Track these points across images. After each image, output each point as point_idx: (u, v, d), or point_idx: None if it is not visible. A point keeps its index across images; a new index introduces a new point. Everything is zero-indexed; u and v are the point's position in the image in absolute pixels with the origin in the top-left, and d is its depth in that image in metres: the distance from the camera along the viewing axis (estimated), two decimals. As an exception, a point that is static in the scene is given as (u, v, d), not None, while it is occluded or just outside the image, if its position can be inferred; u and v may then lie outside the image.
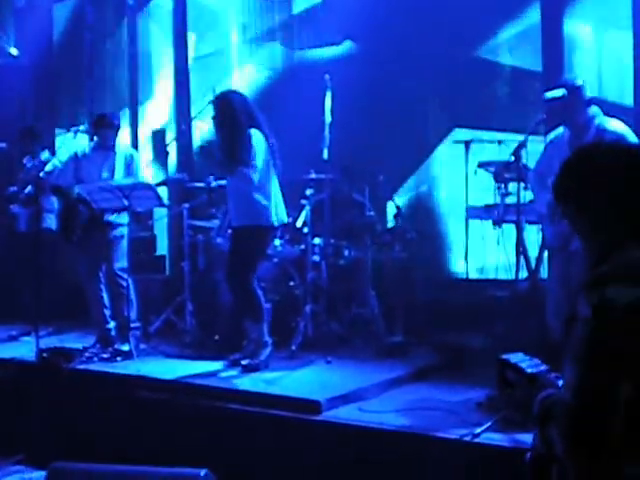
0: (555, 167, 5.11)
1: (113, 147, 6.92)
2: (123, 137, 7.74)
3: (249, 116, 6.00)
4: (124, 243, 6.85)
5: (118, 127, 7.01)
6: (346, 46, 8.22)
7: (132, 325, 6.75)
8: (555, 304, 5.16)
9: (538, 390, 2.35)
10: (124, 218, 6.83)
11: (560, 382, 2.35)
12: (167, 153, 9.37)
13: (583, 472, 2.13)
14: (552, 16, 6.86)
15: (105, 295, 6.90)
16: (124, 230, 6.86)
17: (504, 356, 2.60)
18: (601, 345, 2.10)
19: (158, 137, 9.67)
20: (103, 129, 6.89)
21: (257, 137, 5.93)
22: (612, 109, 5.32)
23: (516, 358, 2.57)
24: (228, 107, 5.98)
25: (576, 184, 2.41)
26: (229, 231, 6.50)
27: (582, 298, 2.19)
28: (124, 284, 6.79)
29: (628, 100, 6.50)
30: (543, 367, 2.50)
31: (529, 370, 2.48)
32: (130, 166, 6.91)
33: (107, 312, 6.90)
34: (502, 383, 2.58)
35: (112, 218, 6.77)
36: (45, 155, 7.92)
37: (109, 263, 6.80)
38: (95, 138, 7.03)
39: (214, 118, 6.10)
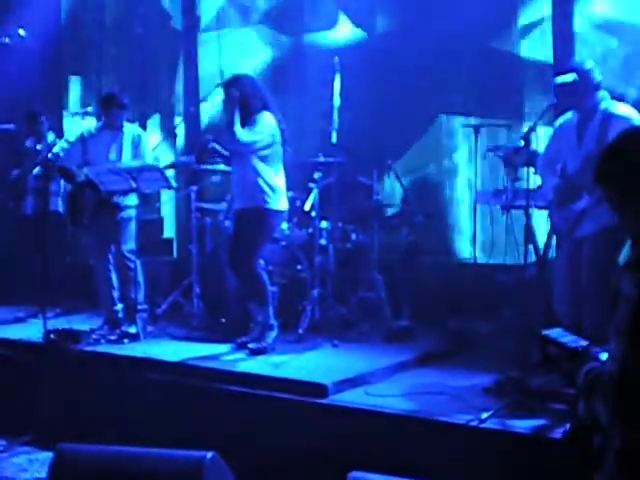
0: (564, 152, 5.14)
1: (121, 127, 6.90)
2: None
3: (261, 100, 5.98)
4: (132, 225, 6.85)
5: (126, 107, 7.00)
6: (355, 29, 8.18)
7: (139, 307, 6.76)
8: (562, 290, 5.15)
9: (581, 363, 2.43)
10: (132, 200, 6.83)
11: (601, 356, 2.43)
12: (175, 135, 9.38)
13: (628, 440, 2.23)
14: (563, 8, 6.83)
15: (114, 277, 6.90)
16: (132, 212, 6.86)
17: (545, 332, 2.65)
18: None
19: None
20: (111, 109, 6.87)
21: (268, 118, 5.93)
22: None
23: (555, 333, 2.63)
24: (240, 87, 5.94)
25: (620, 167, 2.43)
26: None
27: (626, 278, 2.28)
28: (132, 266, 6.79)
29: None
30: (583, 342, 2.56)
31: (571, 345, 2.53)
32: (138, 146, 6.90)
33: (115, 294, 6.90)
34: (544, 358, 2.62)
35: (120, 200, 6.77)
36: (51, 137, 7.91)
37: (117, 245, 6.79)
38: (102, 118, 7.02)
39: (225, 101, 6.07)
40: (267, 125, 5.92)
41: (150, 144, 7.18)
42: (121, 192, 6.68)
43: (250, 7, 9.10)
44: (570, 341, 2.56)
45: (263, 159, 5.93)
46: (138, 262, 6.86)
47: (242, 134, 5.82)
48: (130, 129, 7.02)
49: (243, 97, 5.90)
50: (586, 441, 2.41)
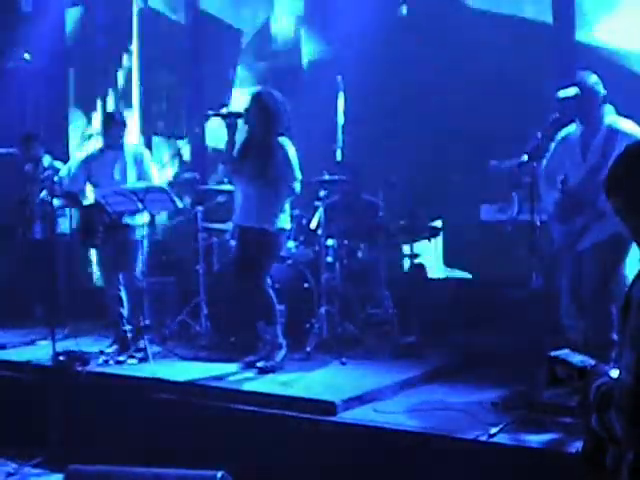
0: (566, 165, 5.16)
1: (122, 146, 6.97)
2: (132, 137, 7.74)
3: (281, 120, 5.98)
4: (143, 246, 6.91)
5: (125, 124, 7.07)
6: (358, 47, 8.21)
7: (144, 323, 6.80)
8: (567, 303, 5.16)
9: (592, 379, 2.41)
10: (141, 220, 6.88)
11: (611, 372, 2.41)
12: (181, 155, 9.42)
13: None
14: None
15: (124, 296, 6.95)
16: (142, 232, 6.91)
17: (553, 353, 2.63)
18: None
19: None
20: (112, 128, 6.95)
21: (291, 148, 5.95)
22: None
23: (564, 355, 2.62)
24: (264, 108, 5.95)
25: (629, 177, 2.42)
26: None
27: (637, 286, 2.25)
28: (142, 287, 6.85)
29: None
30: (591, 361, 2.54)
31: (580, 364, 2.52)
32: (141, 165, 6.97)
33: (125, 313, 6.95)
34: (552, 379, 2.62)
35: (129, 221, 6.82)
36: (47, 160, 7.95)
37: (129, 266, 6.85)
38: (104, 138, 7.07)
39: (248, 114, 6.02)
40: (294, 154, 5.97)
41: (152, 163, 7.20)
42: (130, 212, 6.73)
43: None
44: (579, 361, 2.55)
45: (276, 182, 5.94)
46: (144, 283, 6.92)
47: (298, 185, 5.94)
48: (132, 148, 7.08)
49: (267, 118, 5.91)
50: (600, 456, 2.39)
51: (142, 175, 6.93)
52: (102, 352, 6.76)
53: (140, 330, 6.72)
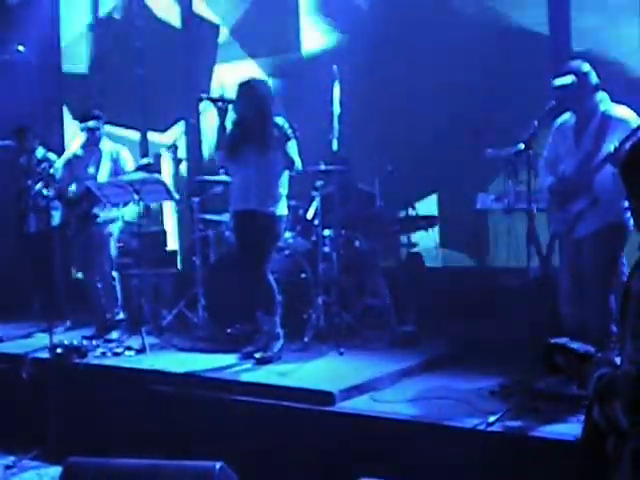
0: (561, 153, 5.15)
1: (98, 142, 7.14)
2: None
3: (273, 104, 6.02)
4: (112, 240, 7.17)
5: (100, 121, 7.19)
6: (353, 37, 8.19)
7: (118, 318, 7.12)
8: (566, 291, 5.17)
9: (591, 369, 2.40)
10: (112, 215, 7.10)
11: (611, 359, 2.41)
12: (176, 147, 9.41)
13: None
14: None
15: (100, 287, 7.17)
16: (114, 228, 7.17)
17: (552, 340, 2.62)
18: None
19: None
20: (88, 124, 7.07)
21: (287, 125, 5.97)
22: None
23: (562, 341, 2.61)
24: (257, 94, 5.97)
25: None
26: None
27: (637, 277, 2.24)
28: (113, 282, 7.15)
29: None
30: (590, 348, 2.53)
31: (580, 350, 2.52)
32: (117, 162, 7.17)
33: (104, 302, 7.18)
34: (550, 367, 2.61)
35: (100, 214, 7.03)
36: (41, 152, 7.95)
37: (97, 262, 7.12)
38: (85, 136, 7.13)
39: (240, 103, 6.02)
40: (291, 132, 5.98)
41: (129, 160, 7.28)
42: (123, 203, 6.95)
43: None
44: (578, 347, 2.54)
45: (275, 165, 5.96)
46: (115, 275, 7.17)
47: (299, 162, 5.96)
48: (109, 146, 7.23)
49: (260, 103, 5.93)
50: (600, 445, 2.38)
51: (117, 171, 7.10)
52: (85, 338, 6.93)
53: (137, 322, 6.76)
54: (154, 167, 7.79)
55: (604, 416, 2.29)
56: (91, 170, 7.12)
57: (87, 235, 7.09)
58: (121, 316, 7.16)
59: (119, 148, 7.35)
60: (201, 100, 6.52)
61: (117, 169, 7.12)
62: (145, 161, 7.27)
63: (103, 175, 7.09)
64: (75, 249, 7.39)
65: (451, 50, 7.23)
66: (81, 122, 7.18)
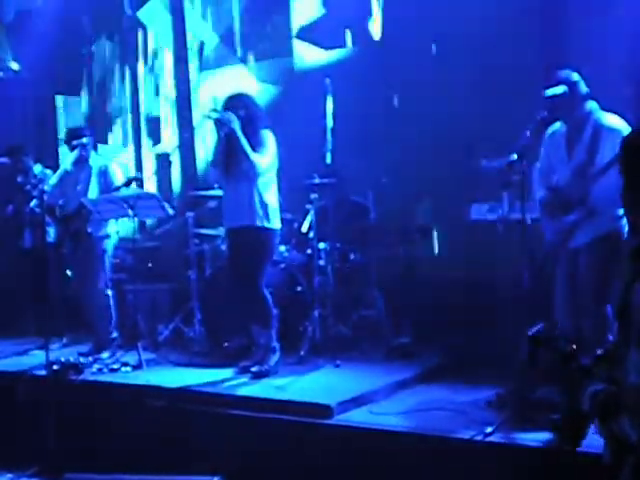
0: (553, 162, 5.17)
1: (87, 159, 7.11)
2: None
3: (264, 118, 6.05)
4: (106, 258, 7.12)
5: (90, 139, 7.19)
6: (347, 50, 8.22)
7: (111, 336, 7.06)
8: (562, 302, 5.17)
9: (580, 383, 2.35)
10: (106, 231, 7.07)
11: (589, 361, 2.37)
12: (170, 162, 9.42)
13: None
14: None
15: (94, 303, 7.13)
16: (108, 244, 7.13)
17: (533, 332, 2.58)
18: None
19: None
20: (75, 142, 7.05)
21: (272, 137, 5.97)
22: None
23: (546, 336, 2.54)
24: (246, 105, 5.98)
25: (629, 158, 2.41)
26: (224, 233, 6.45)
27: (636, 290, 2.19)
28: (107, 301, 7.09)
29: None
30: (573, 346, 2.48)
31: (562, 348, 2.47)
32: (105, 175, 7.11)
33: (97, 320, 7.15)
34: (532, 361, 2.57)
35: (94, 232, 7.01)
36: (38, 169, 7.96)
37: (90, 280, 7.07)
38: (75, 153, 7.12)
39: (223, 123, 5.94)
40: (273, 145, 5.96)
41: (118, 173, 7.25)
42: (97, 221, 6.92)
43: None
44: (560, 344, 2.49)
45: (266, 174, 5.95)
46: (110, 293, 7.12)
47: (260, 162, 5.85)
48: (96, 160, 7.21)
49: (249, 116, 5.93)
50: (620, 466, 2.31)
51: (107, 184, 7.05)
52: (81, 354, 6.90)
53: (133, 338, 6.76)
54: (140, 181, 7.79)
55: (610, 434, 2.24)
56: (79, 187, 7.08)
57: (81, 252, 7.07)
58: (114, 335, 7.11)
59: (107, 162, 7.35)
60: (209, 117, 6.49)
61: (106, 182, 7.06)
62: (133, 175, 7.28)
63: (92, 191, 7.06)
64: (71, 266, 7.37)
65: (446, 62, 7.27)
66: (71, 140, 7.14)
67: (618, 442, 2.22)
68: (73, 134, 7.20)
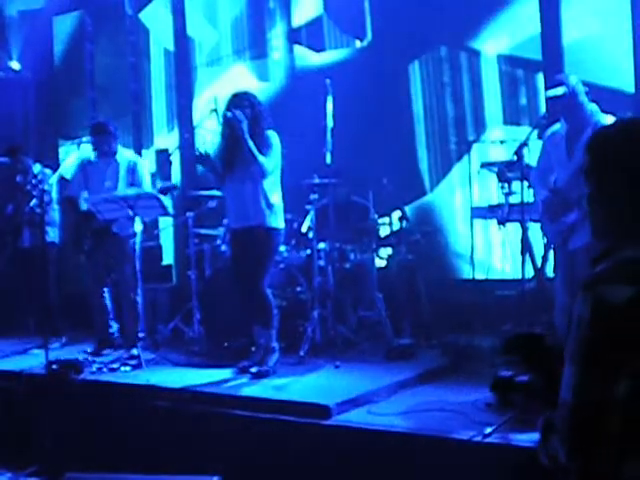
0: (552, 163, 5.18)
1: (114, 154, 7.03)
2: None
3: (268, 118, 6.03)
4: (136, 257, 6.97)
5: (114, 133, 7.12)
6: (348, 50, 8.23)
7: (139, 335, 6.89)
8: (561, 301, 5.18)
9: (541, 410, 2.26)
10: (133, 230, 6.92)
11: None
12: (170, 162, 9.41)
13: (583, 473, 2.07)
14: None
15: (108, 303, 7.10)
16: (135, 243, 6.96)
17: (501, 373, 2.43)
18: (596, 345, 2.02)
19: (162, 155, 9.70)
20: (100, 136, 7.01)
21: (276, 137, 5.97)
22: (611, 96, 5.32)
23: (507, 376, 2.40)
24: (252, 104, 5.97)
25: (594, 166, 2.23)
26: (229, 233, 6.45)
27: (579, 297, 2.09)
28: (132, 296, 6.93)
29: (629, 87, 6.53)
30: (524, 377, 2.36)
31: (520, 382, 2.35)
32: (134, 173, 7.02)
33: (110, 319, 7.13)
34: (505, 403, 2.50)
35: (119, 230, 6.89)
36: (37, 168, 7.96)
37: (122, 280, 6.99)
38: (95, 147, 7.09)
39: (230, 122, 5.94)
40: (278, 145, 5.96)
41: (146, 170, 7.22)
42: (122, 220, 6.78)
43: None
44: (523, 380, 2.35)
45: (271, 174, 5.95)
46: (140, 291, 6.96)
47: (267, 162, 5.83)
48: (125, 156, 7.11)
49: (255, 115, 5.92)
50: None
51: (135, 182, 6.97)
52: (87, 353, 6.90)
53: (133, 337, 6.77)
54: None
55: (547, 454, 2.18)
56: (107, 184, 6.97)
57: (105, 251, 6.95)
58: (143, 334, 7.00)
59: (136, 158, 7.29)
60: (215, 110, 6.48)
61: (135, 179, 6.99)
62: (171, 183, 7.22)
63: (121, 187, 6.95)
64: (90, 264, 7.15)
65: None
66: (97, 133, 7.08)
67: (555, 463, 2.15)
68: (99, 128, 7.13)
